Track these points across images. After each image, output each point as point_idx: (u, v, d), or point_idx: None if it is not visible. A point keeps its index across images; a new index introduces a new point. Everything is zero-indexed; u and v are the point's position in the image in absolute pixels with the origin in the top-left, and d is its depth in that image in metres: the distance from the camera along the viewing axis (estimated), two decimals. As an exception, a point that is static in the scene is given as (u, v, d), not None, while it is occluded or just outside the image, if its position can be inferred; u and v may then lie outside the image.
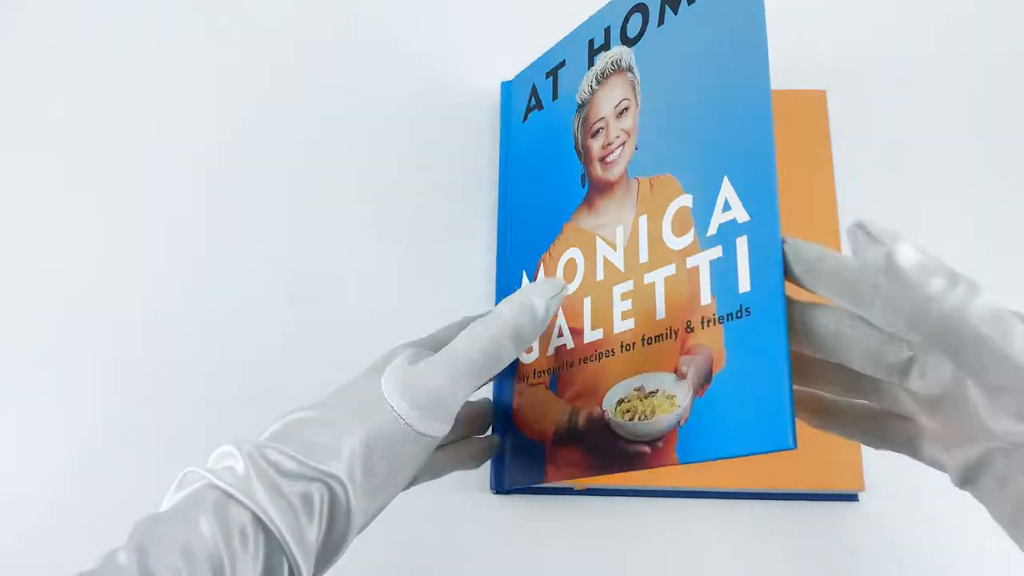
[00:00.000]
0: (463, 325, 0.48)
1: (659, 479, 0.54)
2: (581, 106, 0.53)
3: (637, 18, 0.50)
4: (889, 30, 0.67)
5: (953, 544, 0.54)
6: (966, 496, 0.56)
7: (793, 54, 0.65)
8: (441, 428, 0.43)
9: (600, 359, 0.47)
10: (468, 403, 0.50)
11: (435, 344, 0.47)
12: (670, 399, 0.42)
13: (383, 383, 0.43)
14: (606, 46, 0.52)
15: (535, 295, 0.45)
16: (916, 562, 0.54)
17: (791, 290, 0.38)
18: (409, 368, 0.43)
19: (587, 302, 0.49)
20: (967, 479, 0.37)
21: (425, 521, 0.55)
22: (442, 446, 0.48)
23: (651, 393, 0.43)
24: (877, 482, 0.55)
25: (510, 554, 0.55)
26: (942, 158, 0.63)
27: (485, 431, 0.52)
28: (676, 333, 0.43)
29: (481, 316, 0.45)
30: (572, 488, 0.55)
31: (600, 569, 0.54)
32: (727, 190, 0.42)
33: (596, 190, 0.51)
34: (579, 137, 0.53)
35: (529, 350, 0.51)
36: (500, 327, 0.44)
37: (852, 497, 0.55)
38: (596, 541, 0.55)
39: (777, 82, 0.62)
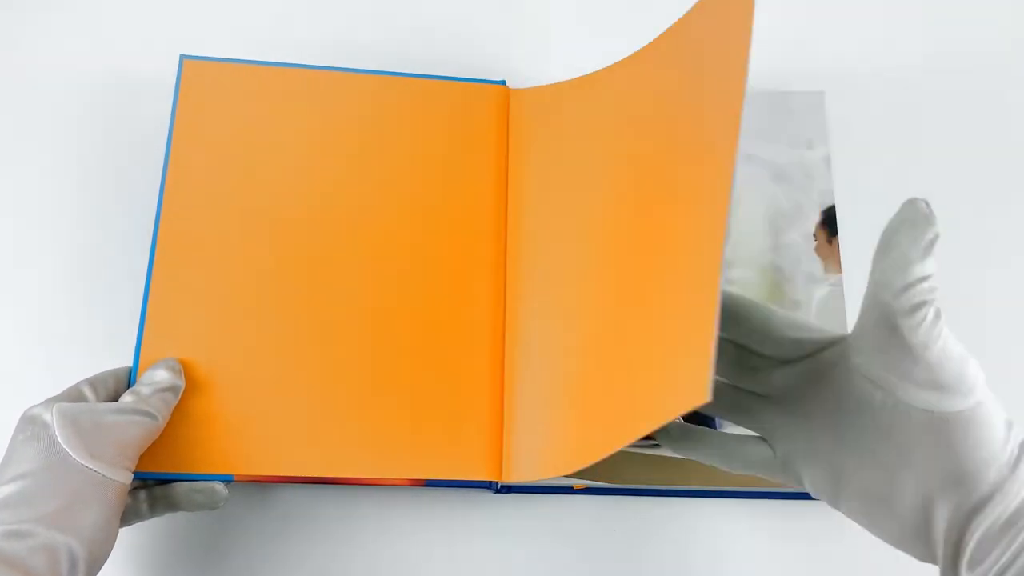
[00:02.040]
0: (117, 376, 0.52)
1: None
2: None
3: None
4: (889, 30, 0.67)
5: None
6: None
7: (792, 55, 0.66)
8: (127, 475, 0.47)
9: None
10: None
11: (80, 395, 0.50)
12: None
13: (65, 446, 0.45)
14: None
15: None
16: (915, 562, 0.54)
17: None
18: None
19: None
20: None
21: (424, 520, 0.55)
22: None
23: None
24: (877, 482, 0.55)
25: (510, 554, 0.55)
26: (942, 158, 0.63)
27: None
28: None
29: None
30: (572, 488, 0.55)
31: (600, 569, 0.54)
32: None
33: None
34: None
35: None
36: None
37: (852, 497, 0.55)
38: (596, 541, 0.55)
39: (776, 83, 0.63)
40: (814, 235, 0.60)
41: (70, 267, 0.60)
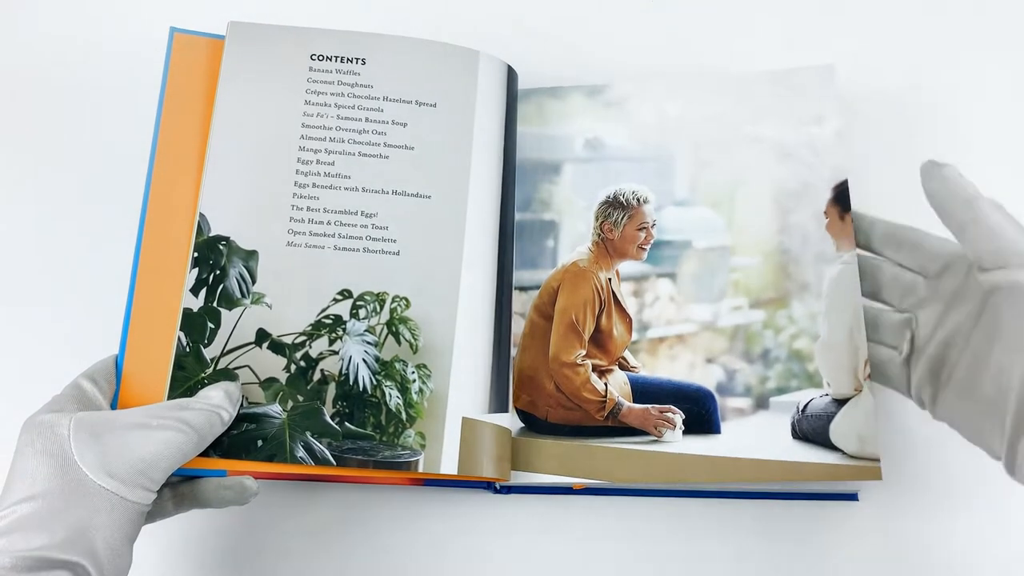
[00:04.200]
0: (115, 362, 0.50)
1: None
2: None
3: None
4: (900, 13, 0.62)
5: (952, 543, 0.54)
6: (964, 496, 0.55)
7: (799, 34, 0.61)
8: (148, 496, 0.45)
9: None
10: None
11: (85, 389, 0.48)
12: None
13: (78, 458, 0.43)
14: None
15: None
16: (915, 562, 0.54)
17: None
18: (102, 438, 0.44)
19: None
20: None
21: (425, 520, 0.56)
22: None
23: None
24: (877, 482, 0.54)
25: (510, 554, 0.56)
26: (953, 146, 0.60)
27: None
28: None
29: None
30: (572, 488, 0.55)
31: (600, 569, 0.55)
32: None
33: None
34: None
35: None
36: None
37: (852, 497, 0.54)
38: (596, 541, 0.55)
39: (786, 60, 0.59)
40: (824, 213, 0.56)
41: (55, 252, 0.62)
